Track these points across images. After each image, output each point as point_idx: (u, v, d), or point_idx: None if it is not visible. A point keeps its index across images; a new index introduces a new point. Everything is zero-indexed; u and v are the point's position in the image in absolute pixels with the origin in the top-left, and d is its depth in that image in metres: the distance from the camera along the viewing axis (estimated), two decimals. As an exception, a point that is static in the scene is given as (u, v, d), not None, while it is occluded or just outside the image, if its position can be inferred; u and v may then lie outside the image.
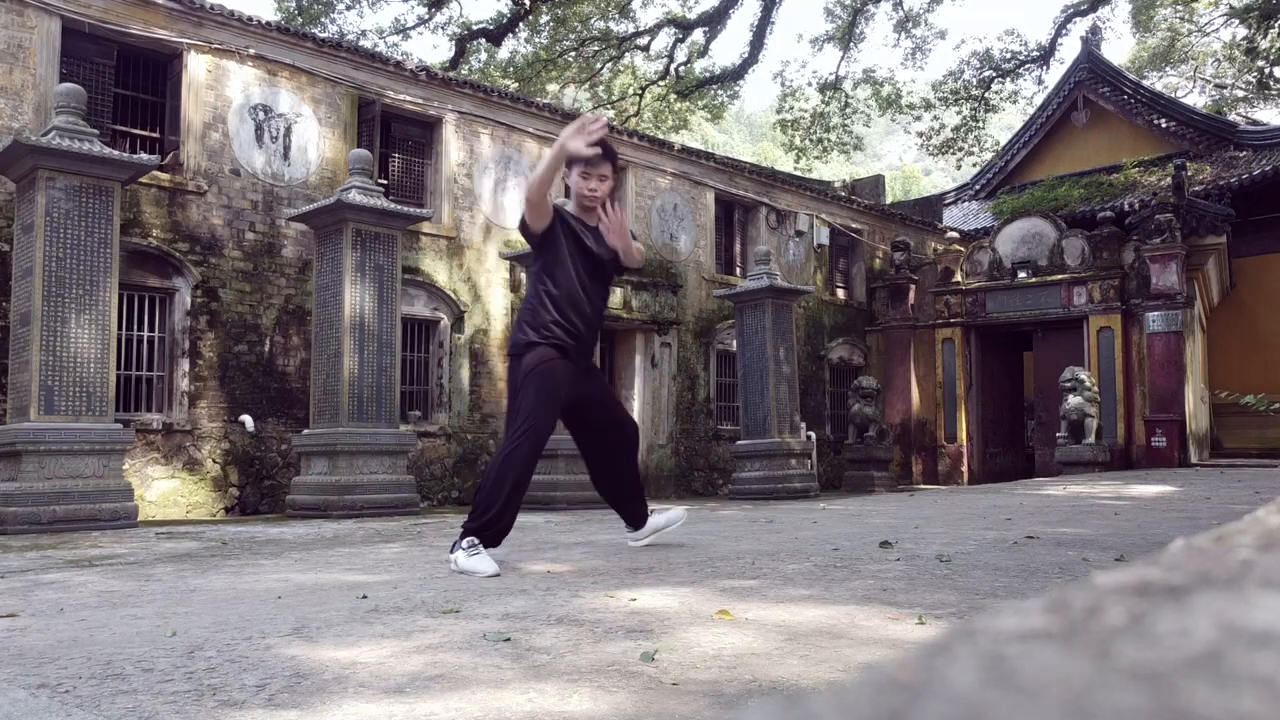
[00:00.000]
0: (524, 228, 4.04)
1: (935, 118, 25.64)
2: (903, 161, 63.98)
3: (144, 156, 7.89)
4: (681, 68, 26.47)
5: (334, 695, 1.86)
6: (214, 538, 6.11)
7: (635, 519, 4.45)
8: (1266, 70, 19.30)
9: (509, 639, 2.35)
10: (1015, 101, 27.45)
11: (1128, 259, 15.97)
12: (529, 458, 3.90)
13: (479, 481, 4.00)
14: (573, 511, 8.63)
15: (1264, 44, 15.27)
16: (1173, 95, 25.55)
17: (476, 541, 3.76)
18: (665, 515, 4.46)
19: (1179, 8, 27.53)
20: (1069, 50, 28.30)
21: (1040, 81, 27.36)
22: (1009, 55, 25.30)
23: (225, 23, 10.29)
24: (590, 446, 4.31)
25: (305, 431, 9.01)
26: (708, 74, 26.45)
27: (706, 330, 15.21)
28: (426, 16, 24.53)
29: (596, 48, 25.68)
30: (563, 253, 4.01)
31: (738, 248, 16.50)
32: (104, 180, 7.48)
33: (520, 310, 4.14)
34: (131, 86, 10.15)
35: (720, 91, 26.99)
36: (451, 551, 3.84)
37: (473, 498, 3.99)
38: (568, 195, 4.31)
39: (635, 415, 14.15)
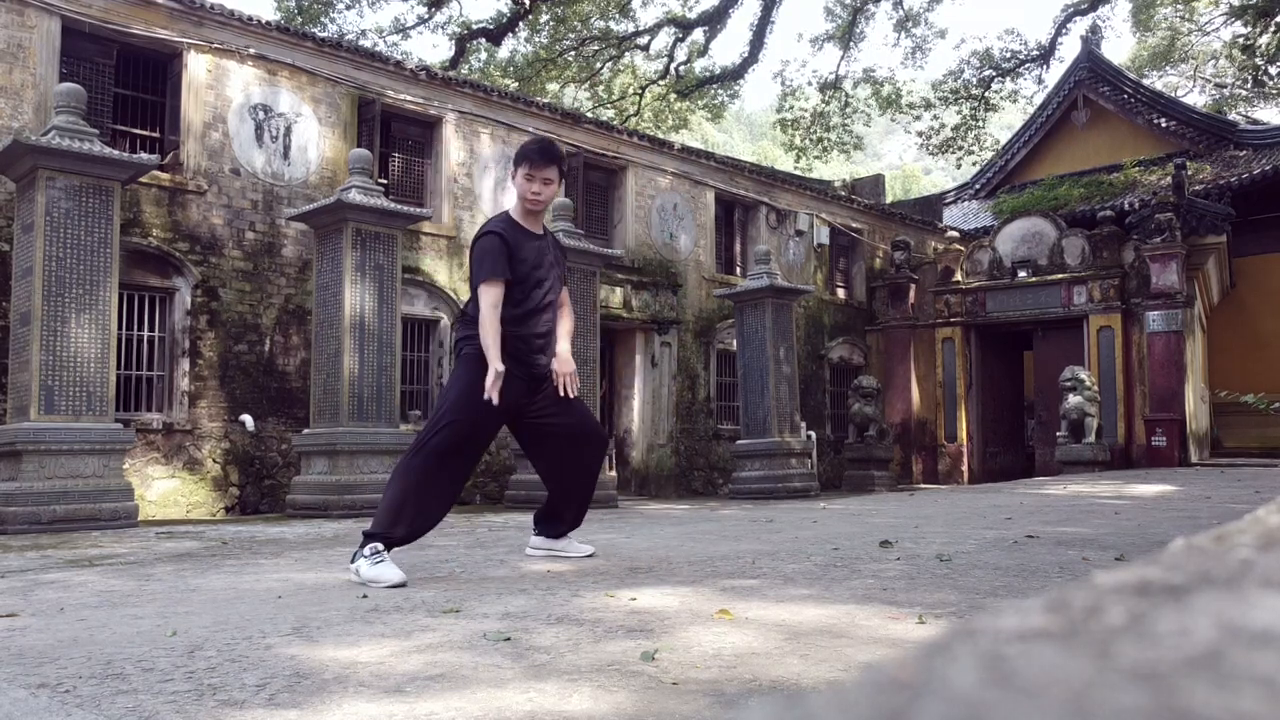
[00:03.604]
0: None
1: (935, 117, 25.64)
2: (903, 161, 63.95)
3: (144, 156, 7.89)
4: (681, 67, 26.46)
5: (334, 695, 1.86)
6: (214, 537, 6.11)
7: (554, 528, 4.33)
8: (1262, 68, 19.28)
9: (509, 638, 2.35)
10: (1015, 101, 27.45)
11: (1128, 258, 15.97)
12: (442, 455, 3.72)
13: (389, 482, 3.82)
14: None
15: (1261, 42, 15.26)
16: (1173, 95, 25.54)
17: (380, 548, 3.54)
18: (579, 547, 4.32)
19: (1179, 7, 27.54)
20: (1069, 50, 28.31)
21: (1040, 81, 27.35)
22: (1009, 55, 25.32)
23: (225, 23, 10.29)
24: (547, 461, 4.21)
25: (305, 431, 9.01)
26: (708, 74, 26.44)
27: (706, 330, 15.20)
28: (426, 16, 24.54)
29: (596, 47, 25.67)
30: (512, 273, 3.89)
31: (738, 247, 16.49)
32: (104, 180, 7.47)
33: (467, 320, 3.98)
34: (131, 86, 10.14)
35: (720, 91, 26.99)
36: (352, 561, 3.59)
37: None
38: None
39: (635, 415, 14.13)
